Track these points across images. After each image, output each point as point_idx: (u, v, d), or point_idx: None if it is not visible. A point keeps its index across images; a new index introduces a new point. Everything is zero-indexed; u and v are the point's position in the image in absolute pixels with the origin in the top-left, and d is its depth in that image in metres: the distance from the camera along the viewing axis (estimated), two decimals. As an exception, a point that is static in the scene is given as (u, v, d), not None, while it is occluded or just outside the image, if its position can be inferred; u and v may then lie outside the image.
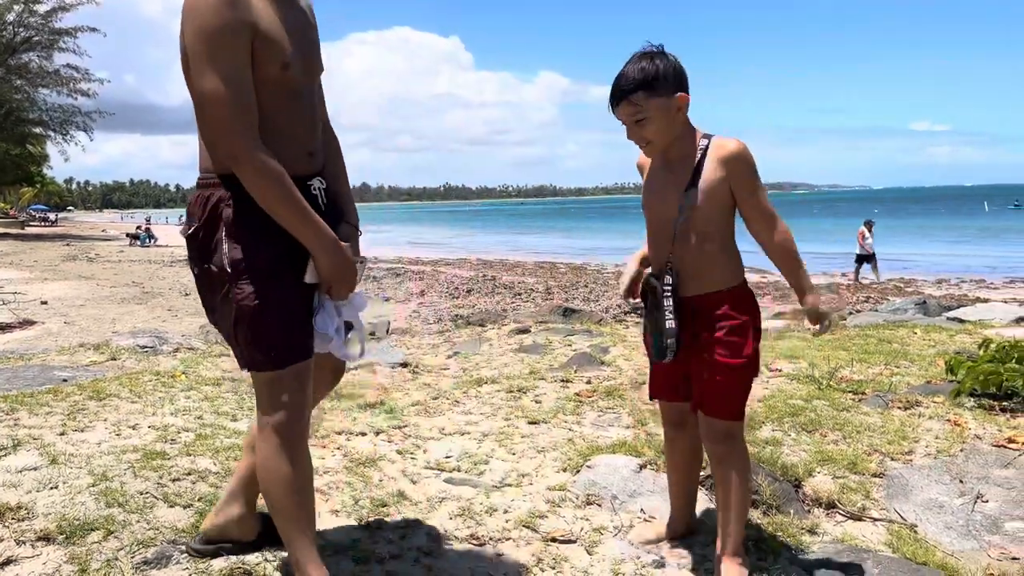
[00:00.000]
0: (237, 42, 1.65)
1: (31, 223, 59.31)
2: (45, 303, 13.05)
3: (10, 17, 37.41)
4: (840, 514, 2.89)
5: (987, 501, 2.98)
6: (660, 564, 2.46)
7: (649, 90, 2.06)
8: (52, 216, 72.10)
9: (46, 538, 2.30)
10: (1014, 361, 3.99)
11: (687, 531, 2.62)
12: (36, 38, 38.57)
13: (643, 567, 2.44)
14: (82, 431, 3.24)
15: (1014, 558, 2.60)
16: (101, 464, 2.81)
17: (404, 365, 5.11)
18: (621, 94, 2.10)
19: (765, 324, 7.65)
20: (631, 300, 2.41)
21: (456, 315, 11.69)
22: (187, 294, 15.56)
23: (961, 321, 7.12)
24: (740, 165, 2.13)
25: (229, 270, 1.77)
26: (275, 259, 1.80)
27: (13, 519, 2.39)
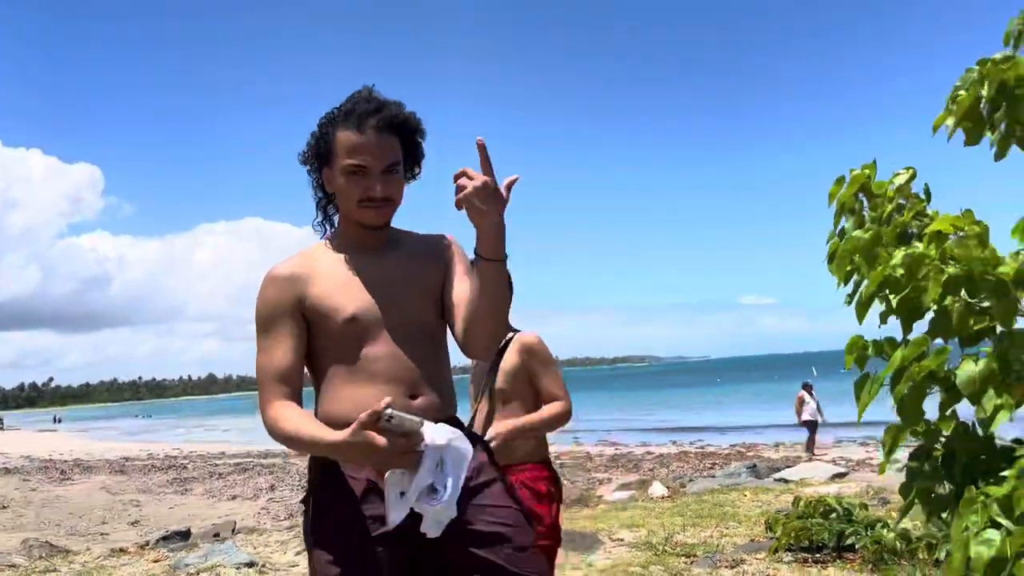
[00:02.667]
0: (274, 318, 1.77)
1: None
2: None
3: None
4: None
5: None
6: None
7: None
8: None
9: None
10: (819, 516, 4.43)
11: None
12: None
13: None
14: None
15: None
16: None
17: (250, 565, 4.96)
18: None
19: (609, 495, 7.96)
20: None
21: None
22: (4, 507, 14.16)
23: (786, 481, 7.71)
24: (533, 354, 2.52)
25: (305, 534, 1.78)
26: (329, 536, 1.70)
27: None
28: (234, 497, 13.94)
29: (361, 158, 1.74)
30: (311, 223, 1.95)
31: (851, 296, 2.95)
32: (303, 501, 1.81)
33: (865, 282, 2.85)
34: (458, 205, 1.61)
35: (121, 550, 6.68)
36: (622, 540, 4.98)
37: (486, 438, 2.23)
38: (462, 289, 1.84)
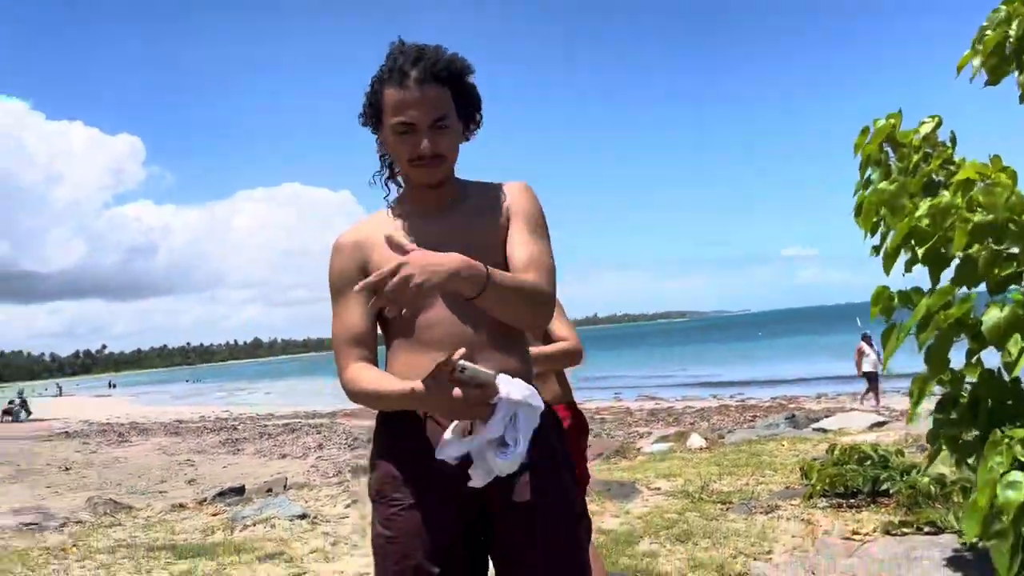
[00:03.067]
0: (342, 285, 1.76)
1: None
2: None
3: None
4: (710, 613, 3.20)
5: (834, 588, 3.37)
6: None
7: None
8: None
9: None
10: (854, 463, 4.50)
11: None
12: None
13: None
14: (-26, 610, 3.23)
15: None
16: (-1, 638, 2.84)
17: (303, 517, 5.20)
18: None
19: (648, 447, 8.10)
20: None
21: (357, 466, 11.62)
22: (67, 469, 14.81)
23: (825, 431, 7.76)
24: None
25: (369, 493, 1.78)
26: (390, 494, 1.68)
27: None
28: (284, 456, 14.37)
29: (406, 115, 1.66)
30: (369, 181, 1.87)
31: (877, 248, 2.99)
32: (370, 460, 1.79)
33: (891, 233, 2.90)
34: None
35: (181, 505, 7.01)
36: (659, 489, 5.11)
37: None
38: (518, 247, 1.76)
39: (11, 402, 35.06)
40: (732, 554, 3.72)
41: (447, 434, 1.57)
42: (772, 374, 30.95)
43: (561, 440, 1.79)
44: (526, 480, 1.64)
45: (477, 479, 1.54)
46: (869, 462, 4.51)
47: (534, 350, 2.52)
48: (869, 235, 2.86)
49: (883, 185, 2.87)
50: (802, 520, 4.13)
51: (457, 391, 1.48)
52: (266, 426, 20.96)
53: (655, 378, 32.60)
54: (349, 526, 4.89)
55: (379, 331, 1.81)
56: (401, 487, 1.66)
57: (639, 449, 7.98)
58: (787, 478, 5.17)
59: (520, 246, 1.77)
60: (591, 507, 4.10)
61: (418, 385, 1.53)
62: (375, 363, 1.74)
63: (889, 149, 3.10)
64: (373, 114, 1.73)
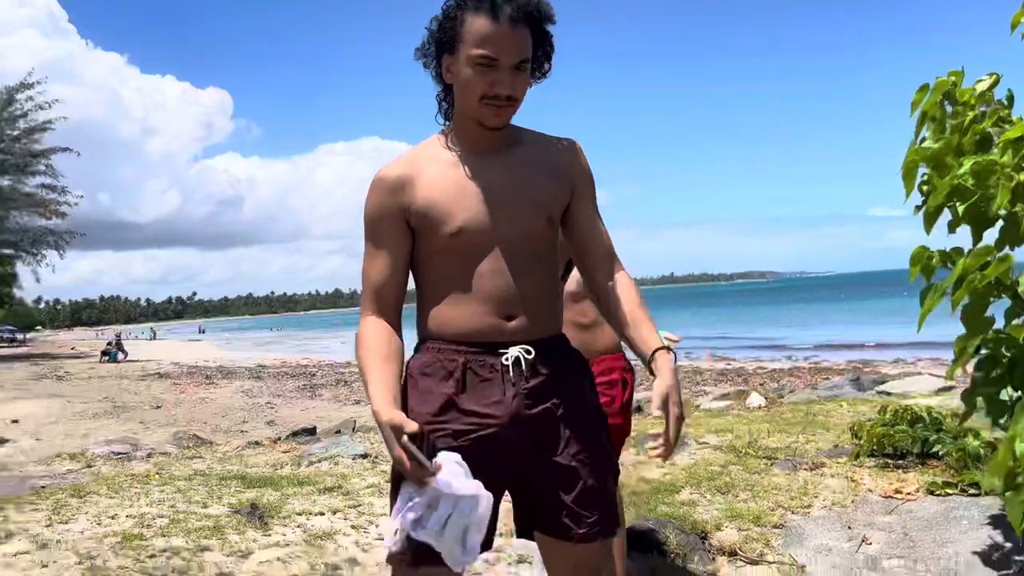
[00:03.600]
0: (379, 224, 1.71)
1: (-1, 344, 58.78)
2: (15, 421, 13.12)
3: (-17, 144, 38.15)
4: (741, 560, 3.31)
5: (871, 544, 3.42)
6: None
7: None
8: (20, 336, 71.50)
9: (39, 608, 2.65)
10: (906, 424, 4.48)
11: None
12: (10, 161, 39.21)
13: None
14: (66, 522, 3.58)
15: (886, 588, 3.03)
16: (85, 547, 3.17)
17: (364, 456, 5.49)
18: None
19: (707, 404, 8.15)
20: None
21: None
22: (158, 407, 15.73)
23: (888, 394, 7.65)
24: None
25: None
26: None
27: (9, 594, 2.74)
28: (358, 402, 14.90)
29: (492, 49, 1.59)
30: (440, 115, 1.79)
31: (919, 206, 2.97)
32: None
33: (934, 192, 2.88)
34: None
35: (256, 443, 7.44)
36: (707, 443, 5.19)
37: None
38: (590, 230, 1.78)
39: (109, 343, 37.14)
40: (771, 507, 3.79)
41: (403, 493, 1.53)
42: (850, 338, 30.20)
43: (594, 391, 1.81)
44: (567, 437, 1.68)
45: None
46: (921, 424, 4.48)
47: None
48: (911, 194, 2.85)
49: (928, 143, 2.85)
50: (846, 478, 4.16)
51: (399, 452, 1.47)
52: (343, 373, 21.70)
53: (728, 339, 32.22)
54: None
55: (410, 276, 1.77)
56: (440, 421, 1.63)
57: (697, 406, 8.03)
58: (838, 438, 5.18)
59: (596, 229, 1.79)
60: (637, 458, 4.23)
61: (385, 415, 1.50)
62: (395, 315, 1.72)
63: (948, 107, 3.05)
64: (443, 39, 1.64)
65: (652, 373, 1.62)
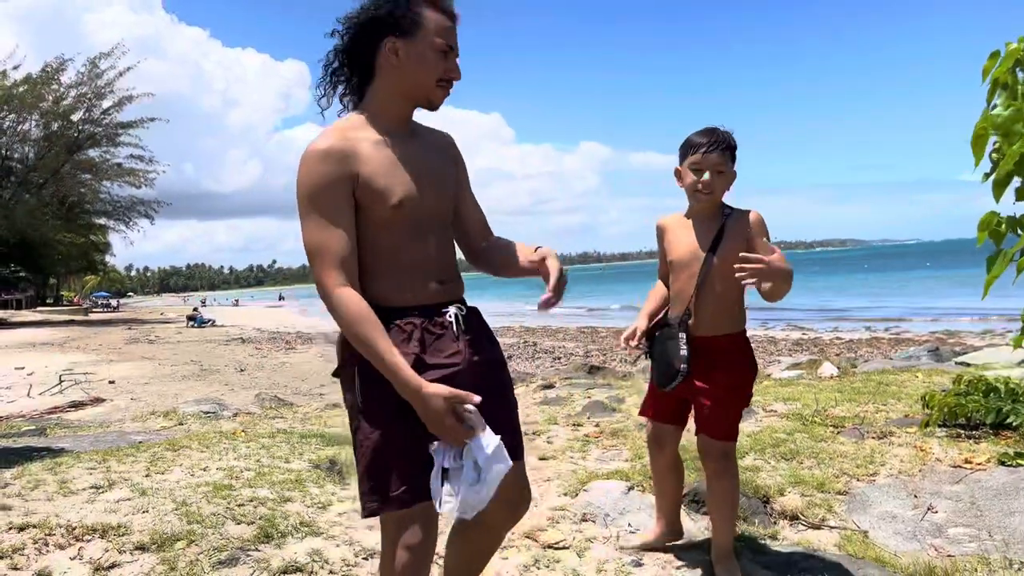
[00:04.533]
0: (331, 194, 1.78)
1: (94, 309, 61.88)
2: (112, 382, 13.92)
3: (76, 117, 39.83)
4: (802, 524, 3.35)
5: (936, 512, 3.42)
6: (638, 564, 2.97)
7: (732, 154, 2.63)
8: (114, 302, 75.11)
9: (142, 547, 2.91)
10: (979, 394, 4.41)
11: (674, 537, 3.06)
12: (100, 133, 40.91)
13: (623, 566, 2.94)
14: (162, 473, 3.88)
15: (949, 555, 3.04)
16: (181, 494, 3.44)
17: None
18: (724, 145, 2.61)
19: (778, 373, 8.08)
20: (631, 344, 2.78)
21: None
22: (242, 370, 16.42)
23: (968, 365, 7.45)
24: (759, 228, 2.64)
25: (350, 405, 1.90)
26: (385, 401, 1.80)
27: (115, 535, 3.01)
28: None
29: (451, 40, 1.86)
30: (321, 90, 1.96)
31: (988, 174, 2.93)
32: (335, 374, 1.94)
33: (1003, 159, 2.84)
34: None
35: (335, 405, 7.76)
36: (775, 411, 5.20)
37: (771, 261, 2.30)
38: (475, 207, 2.13)
39: (195, 309, 38.72)
40: (835, 474, 3.81)
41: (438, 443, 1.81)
42: (935, 307, 29.20)
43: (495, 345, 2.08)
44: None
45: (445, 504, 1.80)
46: (995, 394, 4.40)
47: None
48: (979, 162, 2.80)
49: (998, 110, 2.79)
50: (914, 447, 4.13)
51: (452, 420, 1.73)
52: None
53: (806, 310, 31.49)
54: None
55: None
56: (391, 397, 1.80)
57: (769, 375, 7.98)
58: (909, 408, 5.11)
59: (477, 207, 2.15)
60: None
61: (428, 387, 1.72)
62: (357, 285, 1.81)
63: (1021, 73, 2.98)
64: (400, 23, 1.83)
65: (535, 265, 1.97)
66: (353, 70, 1.92)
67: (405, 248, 1.87)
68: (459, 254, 2.15)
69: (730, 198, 2.74)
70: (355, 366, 1.85)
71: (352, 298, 1.76)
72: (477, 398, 1.75)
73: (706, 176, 2.61)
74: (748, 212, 2.67)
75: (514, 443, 1.97)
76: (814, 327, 24.03)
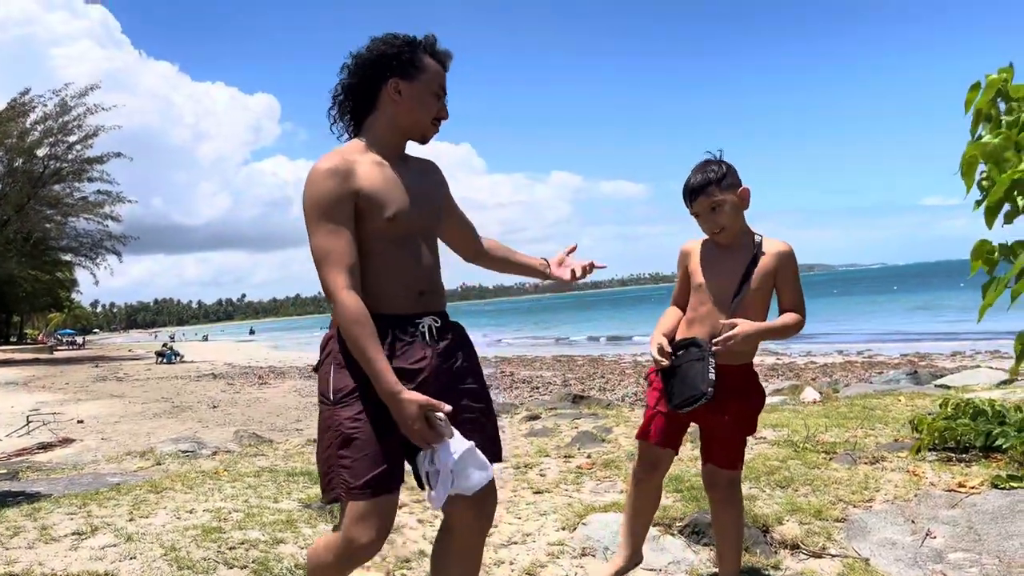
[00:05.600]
0: (338, 207, 1.98)
1: (59, 347, 60.68)
2: (81, 422, 13.61)
3: (41, 152, 39.30)
4: (803, 553, 3.33)
5: (935, 537, 3.41)
6: (640, 597, 2.92)
7: (719, 184, 2.62)
8: (79, 339, 73.75)
9: (131, 596, 2.80)
10: (967, 417, 4.44)
11: (636, 561, 2.96)
12: (66, 168, 40.38)
13: (628, 601, 2.89)
14: (147, 517, 3.75)
15: (950, 580, 3.03)
16: (168, 539, 3.32)
17: (424, 453, 5.61)
18: (698, 189, 2.64)
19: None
20: (662, 359, 2.70)
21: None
22: (215, 407, 16.15)
23: (947, 387, 7.53)
24: (789, 262, 2.68)
25: (323, 397, 2.04)
26: (358, 398, 1.97)
27: (102, 584, 2.89)
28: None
29: (443, 86, 2.16)
30: (332, 124, 2.21)
31: (979, 202, 2.97)
32: (315, 369, 2.11)
33: (994, 187, 2.88)
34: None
35: (314, 440, 7.62)
36: (764, 438, 5.19)
37: (732, 328, 2.53)
38: (464, 218, 2.45)
39: (164, 345, 38.13)
40: (832, 501, 3.80)
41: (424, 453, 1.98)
42: (905, 330, 29.63)
43: (474, 357, 2.27)
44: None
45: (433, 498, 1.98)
46: (983, 417, 4.44)
47: (774, 324, 2.63)
48: (970, 190, 2.84)
49: (988, 138, 2.84)
50: (907, 472, 4.14)
51: (421, 426, 1.89)
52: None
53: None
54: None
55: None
56: (364, 392, 1.97)
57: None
58: (897, 432, 5.14)
59: (466, 219, 2.47)
60: (692, 452, 4.27)
61: (405, 393, 1.89)
62: (360, 291, 1.98)
63: (1001, 104, 3.04)
64: (396, 65, 2.08)
65: (549, 271, 2.53)
66: (357, 102, 2.16)
67: (393, 258, 2.06)
68: (464, 262, 2.53)
69: (695, 226, 2.76)
70: (332, 364, 2.03)
71: (354, 300, 1.94)
72: (448, 407, 1.91)
73: (706, 223, 2.67)
74: (780, 245, 2.67)
75: (485, 447, 2.09)
76: (788, 351, 24.24)
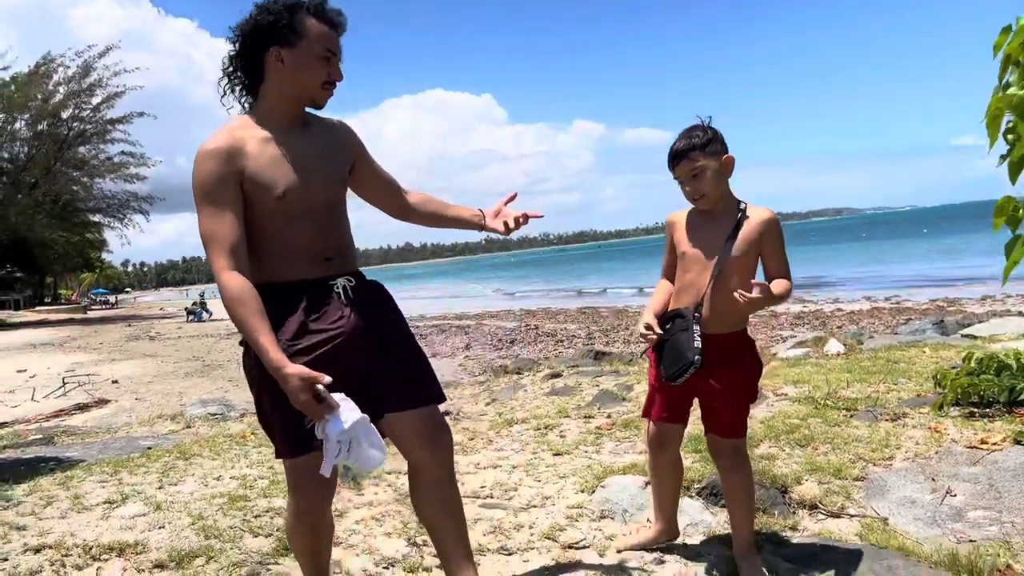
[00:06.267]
0: (220, 189, 2.00)
1: (92, 307, 61.79)
2: (116, 382, 13.90)
3: (65, 114, 39.56)
4: (821, 513, 3.34)
5: (955, 495, 3.40)
6: (660, 562, 2.95)
7: (702, 150, 2.59)
8: (111, 299, 75.03)
9: (160, 566, 2.89)
10: (992, 372, 4.39)
11: (671, 536, 3.05)
12: (90, 130, 40.66)
13: (645, 564, 2.92)
14: (176, 484, 3.85)
15: (970, 540, 3.03)
16: (196, 507, 3.41)
17: (446, 414, 5.67)
18: (680, 154, 2.61)
19: (784, 352, 8.07)
20: (650, 334, 2.67)
21: (499, 366, 12.24)
22: (245, 364, 16.38)
23: (974, 337, 7.43)
24: (774, 229, 2.64)
25: (247, 371, 2.17)
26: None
27: (132, 553, 2.99)
28: (434, 355, 15.24)
29: (332, 47, 2.10)
30: (227, 97, 2.19)
31: (1004, 156, 2.89)
32: (241, 342, 2.12)
33: (1020, 140, 2.79)
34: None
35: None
36: (786, 395, 5.18)
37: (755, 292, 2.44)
38: (384, 176, 2.43)
39: (194, 303, 38.64)
40: (851, 459, 3.79)
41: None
42: (934, 275, 29.21)
43: (394, 307, 2.31)
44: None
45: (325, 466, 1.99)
46: (1008, 372, 4.39)
47: (777, 289, 2.58)
48: (994, 143, 2.76)
49: (1015, 88, 2.74)
50: (929, 429, 4.12)
51: (307, 398, 1.90)
52: (417, 327, 22.10)
53: (804, 279, 31.45)
54: (487, 423, 5.30)
55: None
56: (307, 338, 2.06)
57: (774, 354, 7.95)
58: (920, 387, 5.09)
59: (387, 176, 2.45)
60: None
61: (288, 367, 1.90)
62: (246, 271, 2.00)
63: (1034, 49, 2.93)
64: (275, 32, 2.05)
65: (484, 223, 2.49)
66: (246, 74, 2.15)
67: (293, 232, 2.09)
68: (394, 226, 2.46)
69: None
70: None
71: (235, 281, 1.96)
72: (327, 379, 1.91)
73: (687, 188, 2.64)
74: (764, 213, 2.64)
75: (416, 389, 2.20)
76: (815, 298, 24.03)
